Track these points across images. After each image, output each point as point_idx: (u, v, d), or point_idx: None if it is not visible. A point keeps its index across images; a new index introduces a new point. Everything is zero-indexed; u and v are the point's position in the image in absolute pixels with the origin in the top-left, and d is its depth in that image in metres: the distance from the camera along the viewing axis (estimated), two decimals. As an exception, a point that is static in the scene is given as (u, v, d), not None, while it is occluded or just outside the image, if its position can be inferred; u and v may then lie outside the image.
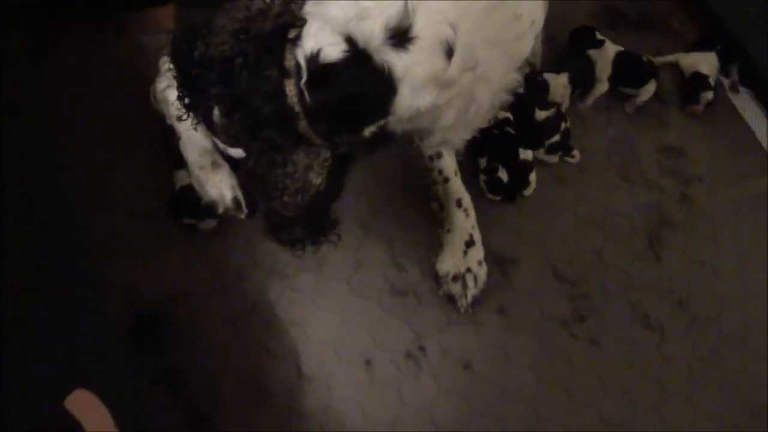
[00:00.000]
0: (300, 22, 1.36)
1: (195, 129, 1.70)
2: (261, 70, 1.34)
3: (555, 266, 1.95)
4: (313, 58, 1.32)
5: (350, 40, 1.31)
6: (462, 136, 1.68)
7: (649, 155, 2.15)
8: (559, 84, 2.13)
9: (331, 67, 1.31)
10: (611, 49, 2.21)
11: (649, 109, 2.21)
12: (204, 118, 1.46)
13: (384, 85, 1.32)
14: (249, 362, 1.74)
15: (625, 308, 1.91)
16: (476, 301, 1.84)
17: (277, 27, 1.36)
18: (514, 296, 1.89)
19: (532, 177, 1.99)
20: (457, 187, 1.89)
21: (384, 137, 1.45)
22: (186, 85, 1.47)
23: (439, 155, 1.87)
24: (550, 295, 1.91)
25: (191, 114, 1.50)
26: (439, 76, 1.34)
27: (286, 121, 1.36)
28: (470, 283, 1.82)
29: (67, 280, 1.73)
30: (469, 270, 1.83)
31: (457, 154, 1.87)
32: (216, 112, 1.42)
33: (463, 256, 1.84)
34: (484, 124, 1.73)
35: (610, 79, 2.19)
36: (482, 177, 1.99)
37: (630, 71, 2.19)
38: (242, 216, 1.77)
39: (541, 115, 2.05)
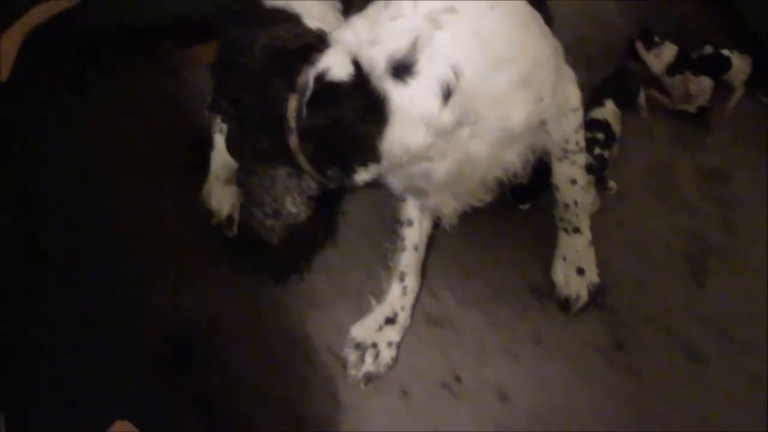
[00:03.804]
0: (324, 47, 1.39)
1: (220, 131, 1.82)
2: (272, 82, 1.39)
3: (592, 291, 1.92)
4: (320, 77, 1.35)
5: (357, 64, 1.33)
6: (453, 204, 1.67)
7: (690, 179, 2.11)
8: (609, 112, 2.13)
9: (335, 86, 1.34)
10: (669, 52, 2.23)
11: (690, 132, 2.18)
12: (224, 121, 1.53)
13: (377, 113, 1.33)
14: (285, 391, 1.78)
15: (665, 337, 1.88)
16: (370, 380, 1.80)
17: (302, 48, 1.41)
18: (551, 325, 1.88)
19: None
20: (409, 261, 1.86)
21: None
22: (218, 90, 1.55)
23: (410, 223, 1.85)
24: (588, 323, 1.90)
25: (217, 114, 1.57)
26: (433, 118, 1.33)
27: (278, 132, 1.39)
28: (368, 358, 1.79)
29: (106, 308, 1.80)
30: (374, 345, 1.81)
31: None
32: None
33: (377, 330, 1.82)
34: (476, 201, 1.69)
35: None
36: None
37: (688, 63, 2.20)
38: (229, 234, 1.89)
39: None
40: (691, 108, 2.17)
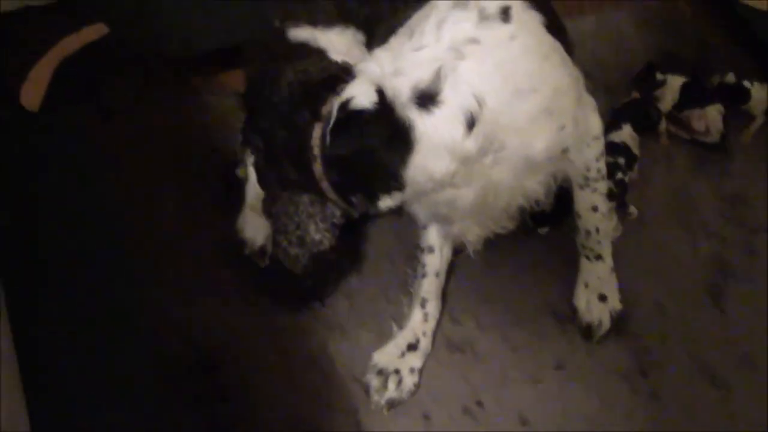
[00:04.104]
0: (349, 78, 1.44)
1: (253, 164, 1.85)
2: (298, 111, 1.44)
3: (615, 318, 1.93)
4: (344, 105, 1.39)
5: (381, 93, 1.37)
6: (477, 231, 1.70)
7: (711, 205, 2.11)
8: (627, 136, 2.15)
9: (358, 114, 1.38)
10: (676, 82, 2.24)
11: (711, 158, 2.18)
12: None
13: (402, 140, 1.36)
14: (308, 415, 1.79)
15: (687, 362, 1.88)
16: (393, 405, 1.80)
17: (327, 79, 1.46)
18: (573, 350, 1.89)
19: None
20: (430, 287, 1.88)
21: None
22: (249, 124, 1.60)
23: (431, 250, 1.87)
24: (609, 348, 1.90)
25: (248, 147, 1.61)
26: (457, 146, 1.36)
27: (302, 160, 1.43)
28: (391, 384, 1.80)
29: (129, 329, 1.86)
30: (396, 371, 1.81)
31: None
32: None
33: (399, 356, 1.83)
34: (500, 227, 1.72)
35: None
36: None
37: (695, 95, 2.21)
38: (261, 265, 1.91)
39: None
40: (712, 138, 2.18)
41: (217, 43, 2.30)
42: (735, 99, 2.23)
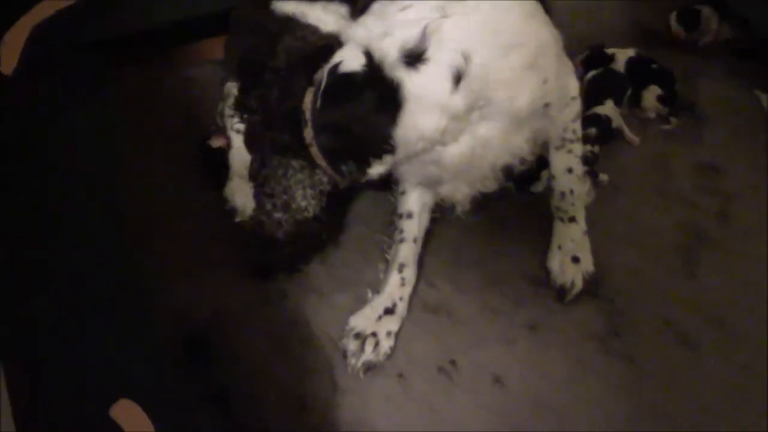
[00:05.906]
0: (341, 45, 1.47)
1: (237, 132, 1.88)
2: (294, 80, 1.47)
3: (587, 280, 1.95)
4: (333, 70, 1.42)
5: (369, 55, 1.40)
6: (466, 191, 1.71)
7: (685, 172, 2.15)
8: (609, 109, 2.19)
9: (347, 77, 1.40)
10: (622, 57, 2.29)
11: (685, 125, 2.22)
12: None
13: (391, 100, 1.39)
14: (289, 376, 1.81)
15: (660, 325, 1.90)
16: (369, 368, 1.81)
17: (322, 47, 1.49)
18: (547, 312, 1.91)
19: (544, 174, 1.99)
20: (407, 253, 1.89)
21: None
22: (244, 90, 1.62)
23: (410, 215, 1.89)
24: (583, 310, 1.92)
25: (242, 113, 1.63)
26: (445, 101, 1.39)
27: (294, 125, 1.46)
28: (368, 347, 1.80)
29: (119, 298, 1.85)
30: (374, 334, 1.82)
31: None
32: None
33: (376, 320, 1.84)
34: (486, 187, 1.72)
35: None
36: None
37: (636, 74, 2.26)
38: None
39: None
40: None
41: (193, 11, 2.29)
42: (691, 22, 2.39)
